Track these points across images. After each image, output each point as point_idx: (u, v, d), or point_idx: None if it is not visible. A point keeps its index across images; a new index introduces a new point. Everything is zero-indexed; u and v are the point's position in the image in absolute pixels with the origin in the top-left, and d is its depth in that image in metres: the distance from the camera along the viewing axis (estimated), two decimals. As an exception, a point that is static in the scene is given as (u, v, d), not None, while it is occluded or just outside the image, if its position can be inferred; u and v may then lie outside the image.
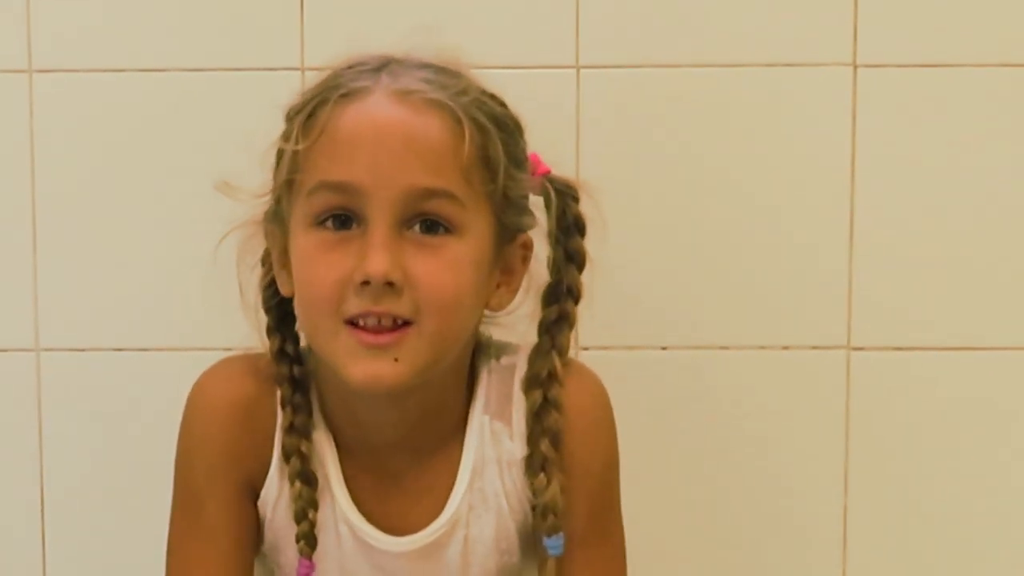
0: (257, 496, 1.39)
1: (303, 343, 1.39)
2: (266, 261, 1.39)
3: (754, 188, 1.60)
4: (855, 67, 1.58)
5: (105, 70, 1.60)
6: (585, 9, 1.58)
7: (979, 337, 1.61)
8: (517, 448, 1.38)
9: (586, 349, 1.61)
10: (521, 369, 1.39)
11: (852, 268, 1.60)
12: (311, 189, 1.30)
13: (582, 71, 1.58)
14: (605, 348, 1.61)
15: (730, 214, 1.60)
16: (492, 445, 1.38)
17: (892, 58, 1.58)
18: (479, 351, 1.41)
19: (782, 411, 1.63)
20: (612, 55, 1.58)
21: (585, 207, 1.39)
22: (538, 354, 1.38)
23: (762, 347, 1.62)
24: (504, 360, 1.40)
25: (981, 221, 1.60)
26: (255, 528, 1.40)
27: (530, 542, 1.41)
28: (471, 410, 1.39)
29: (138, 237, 1.62)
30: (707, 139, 1.59)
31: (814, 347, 1.62)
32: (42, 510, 1.65)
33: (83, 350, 1.63)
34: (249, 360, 1.41)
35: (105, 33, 1.60)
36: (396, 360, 1.28)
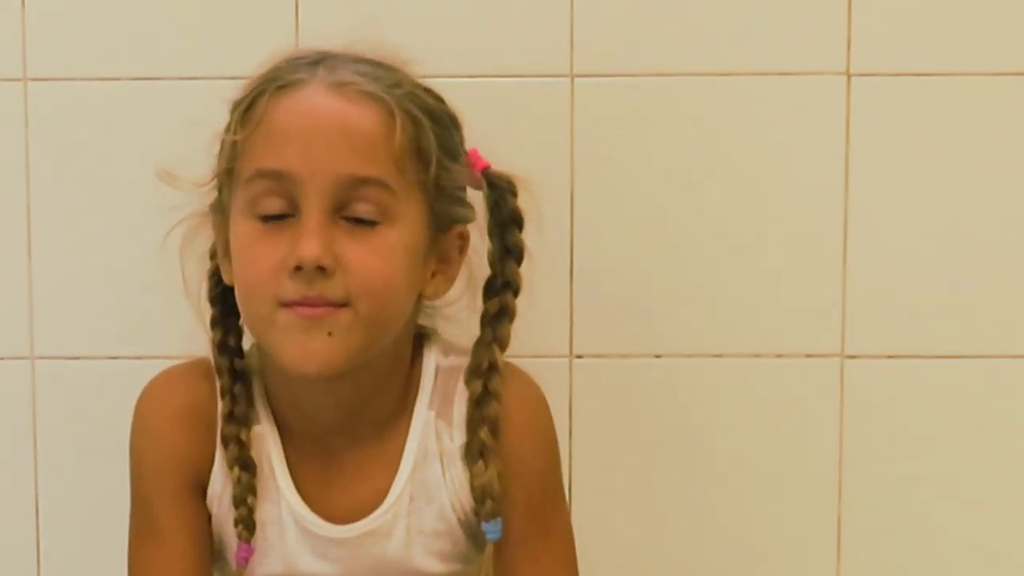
0: (205, 494, 1.42)
1: (245, 337, 1.43)
2: (214, 254, 1.43)
3: (747, 196, 1.60)
4: (849, 76, 1.58)
5: (100, 79, 1.60)
6: (579, 18, 1.58)
7: (973, 345, 1.61)
8: (457, 446, 1.40)
9: (580, 357, 1.61)
10: (463, 389, 1.41)
11: (846, 276, 1.61)
12: (248, 178, 1.33)
13: (576, 80, 1.59)
14: (599, 356, 1.61)
15: (724, 222, 1.60)
16: (435, 440, 1.41)
17: (886, 67, 1.58)
18: (425, 343, 1.44)
19: (776, 419, 1.63)
20: (606, 64, 1.58)
21: (524, 202, 1.41)
22: (480, 346, 1.42)
23: (756, 355, 1.62)
24: (452, 359, 1.43)
25: (975, 229, 1.60)
26: (207, 525, 1.43)
27: (475, 536, 1.43)
28: (416, 402, 1.42)
29: (133, 245, 1.62)
30: (701, 148, 1.59)
31: (808, 355, 1.62)
32: (37, 518, 1.65)
33: (78, 358, 1.64)
34: (190, 365, 1.45)
35: (100, 42, 1.60)
36: (330, 335, 1.31)
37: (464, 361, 1.42)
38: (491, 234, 1.42)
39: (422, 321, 1.45)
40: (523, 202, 1.41)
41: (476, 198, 1.42)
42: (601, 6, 1.58)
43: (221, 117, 1.56)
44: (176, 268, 1.58)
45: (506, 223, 1.41)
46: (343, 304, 1.31)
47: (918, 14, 1.58)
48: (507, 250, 1.41)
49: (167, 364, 1.60)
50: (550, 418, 1.43)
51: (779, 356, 1.62)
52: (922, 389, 1.62)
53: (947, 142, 1.59)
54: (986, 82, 1.58)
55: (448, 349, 1.44)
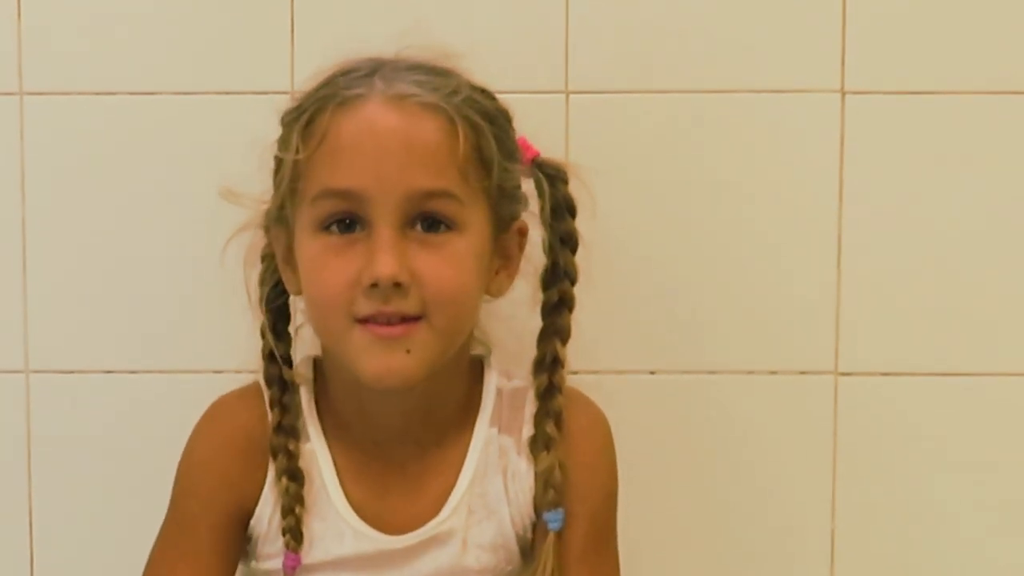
0: (249, 517, 1.42)
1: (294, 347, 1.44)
2: (266, 258, 1.44)
3: (742, 213, 1.60)
4: (843, 93, 1.59)
5: (95, 93, 1.60)
6: (574, 35, 1.58)
7: (966, 363, 1.61)
8: (524, 462, 1.42)
9: (575, 373, 1.61)
10: (531, 400, 1.43)
11: (840, 294, 1.61)
12: (315, 196, 1.34)
13: (571, 96, 1.59)
14: (594, 372, 1.61)
15: (718, 239, 1.61)
16: (498, 456, 1.42)
17: (880, 85, 1.58)
18: (486, 367, 1.45)
19: (770, 436, 1.63)
20: (601, 81, 1.59)
21: (575, 189, 1.43)
22: (542, 338, 1.44)
23: (750, 372, 1.62)
24: (515, 382, 1.45)
25: (968, 247, 1.61)
26: (240, 552, 1.44)
27: (528, 554, 1.44)
28: (478, 419, 1.43)
29: (128, 259, 1.62)
30: (695, 165, 1.60)
31: (802, 372, 1.62)
32: (31, 532, 1.65)
33: (72, 372, 1.63)
34: (243, 391, 1.45)
35: (95, 56, 1.60)
36: (408, 352, 1.33)
37: (527, 384, 1.44)
38: (545, 224, 1.43)
39: (478, 343, 1.46)
40: (575, 190, 1.43)
41: (527, 185, 1.43)
42: (596, 24, 1.58)
43: (216, 132, 1.58)
44: (165, 287, 1.60)
45: (559, 211, 1.42)
46: (418, 317, 1.32)
47: (912, 33, 1.58)
48: (562, 239, 1.43)
49: (161, 379, 1.62)
50: (613, 446, 1.45)
51: (773, 373, 1.62)
52: (916, 406, 1.62)
53: (941, 160, 1.59)
54: (979, 100, 1.58)
55: (510, 374, 1.46)
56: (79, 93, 1.61)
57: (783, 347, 1.62)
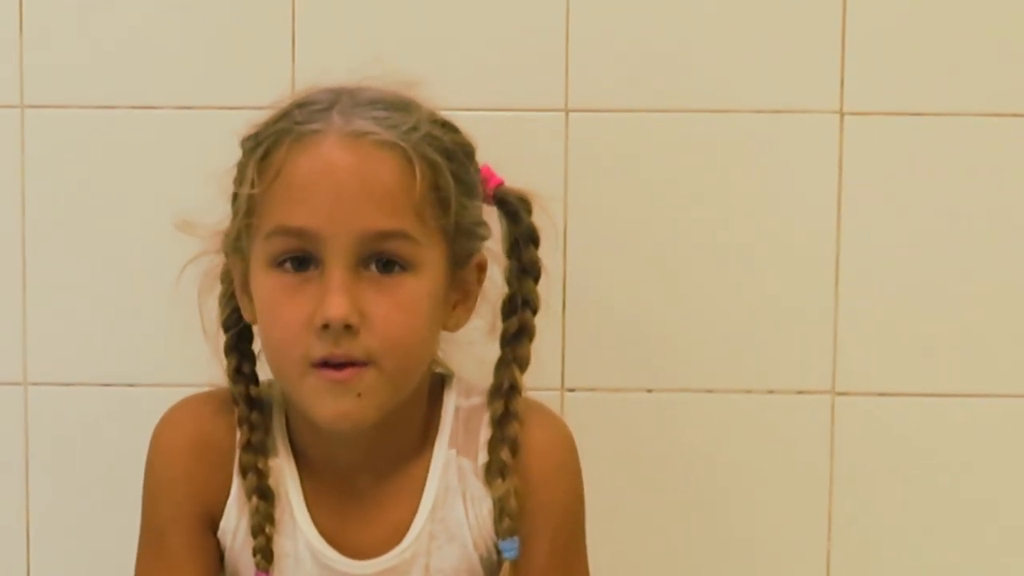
0: (217, 527, 1.41)
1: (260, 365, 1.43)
2: (225, 279, 1.42)
3: (740, 233, 1.60)
4: (842, 114, 1.59)
5: (96, 107, 1.60)
6: (574, 53, 1.58)
7: (963, 384, 1.62)
8: (482, 486, 1.40)
9: (572, 391, 1.62)
10: (487, 424, 1.41)
11: (837, 313, 1.61)
12: (268, 233, 1.33)
13: (571, 115, 1.59)
14: (591, 390, 1.61)
15: (716, 258, 1.61)
16: (457, 479, 1.41)
17: (879, 106, 1.59)
18: (446, 386, 1.44)
19: (767, 455, 1.63)
20: (601, 99, 1.59)
21: (538, 219, 1.41)
22: (500, 366, 1.42)
23: (747, 391, 1.62)
24: (474, 399, 1.43)
25: (966, 267, 1.61)
26: (218, 558, 1.43)
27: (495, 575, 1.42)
28: (436, 441, 1.41)
29: (127, 273, 1.62)
30: (694, 184, 1.60)
31: (799, 391, 1.62)
32: (28, 544, 1.66)
33: (70, 385, 1.64)
34: (207, 396, 1.45)
35: (96, 70, 1.60)
36: (359, 395, 1.32)
37: (484, 400, 1.42)
38: (507, 252, 1.41)
39: (439, 366, 1.45)
40: (538, 219, 1.41)
41: (490, 215, 1.41)
42: (596, 42, 1.58)
43: (217, 146, 1.58)
44: (164, 300, 1.60)
45: (522, 241, 1.41)
46: (368, 362, 1.31)
47: (910, 55, 1.58)
48: (524, 268, 1.41)
49: (159, 392, 1.61)
50: (577, 460, 1.43)
51: (770, 392, 1.62)
52: (912, 427, 1.62)
53: (939, 181, 1.60)
54: (978, 122, 1.58)
55: (469, 391, 1.44)
56: (80, 107, 1.61)
57: (780, 366, 1.62)
